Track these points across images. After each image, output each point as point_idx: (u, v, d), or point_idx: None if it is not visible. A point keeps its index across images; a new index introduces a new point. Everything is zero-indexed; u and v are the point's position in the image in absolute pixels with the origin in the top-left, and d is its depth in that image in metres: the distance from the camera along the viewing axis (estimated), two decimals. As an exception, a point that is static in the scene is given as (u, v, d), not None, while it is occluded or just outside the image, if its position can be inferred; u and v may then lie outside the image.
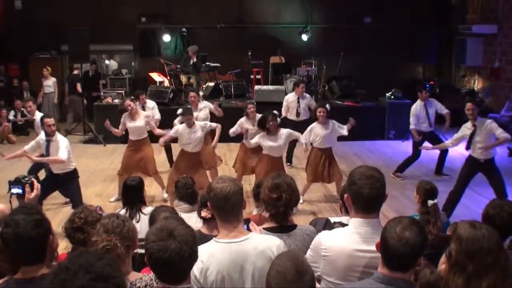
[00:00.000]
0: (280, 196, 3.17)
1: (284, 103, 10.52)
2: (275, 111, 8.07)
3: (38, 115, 8.23)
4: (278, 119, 7.79)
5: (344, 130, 8.27)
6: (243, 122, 8.59)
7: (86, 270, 1.81)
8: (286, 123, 9.93)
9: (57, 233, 2.86)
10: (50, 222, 2.63)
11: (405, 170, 9.92)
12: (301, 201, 8.46)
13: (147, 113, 8.92)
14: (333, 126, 8.26)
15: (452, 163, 10.59)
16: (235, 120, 8.80)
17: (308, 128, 8.31)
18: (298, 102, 10.37)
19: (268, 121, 7.65)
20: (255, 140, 7.77)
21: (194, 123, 7.92)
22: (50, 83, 14.09)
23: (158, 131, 8.52)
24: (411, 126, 9.71)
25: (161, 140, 8.15)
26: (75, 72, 14.36)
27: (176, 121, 8.64)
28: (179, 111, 8.14)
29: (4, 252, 2.71)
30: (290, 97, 10.53)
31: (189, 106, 8.70)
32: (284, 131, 7.86)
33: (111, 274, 1.85)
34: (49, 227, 2.56)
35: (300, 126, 8.71)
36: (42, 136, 7.22)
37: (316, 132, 8.20)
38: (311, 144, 8.38)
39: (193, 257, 2.28)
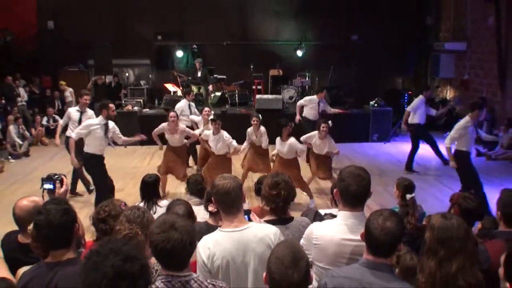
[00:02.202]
0: (279, 192, 3.17)
1: (303, 102, 10.38)
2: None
3: (89, 111, 8.15)
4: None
5: (334, 150, 8.18)
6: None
7: (115, 253, 1.83)
8: (304, 121, 10.11)
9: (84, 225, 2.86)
10: (76, 212, 2.64)
11: (412, 165, 9.86)
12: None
13: (184, 128, 8.39)
14: (329, 141, 8.13)
15: (428, 162, 10.61)
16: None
17: (312, 133, 8.29)
18: (319, 104, 10.26)
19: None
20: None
21: (219, 131, 7.90)
22: (67, 94, 14.20)
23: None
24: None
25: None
26: (100, 82, 14.39)
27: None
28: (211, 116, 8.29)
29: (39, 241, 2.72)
30: (314, 99, 10.34)
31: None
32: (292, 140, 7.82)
33: (136, 256, 1.88)
34: (75, 217, 2.57)
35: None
36: (93, 121, 7.05)
37: (315, 142, 8.17)
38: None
39: (193, 245, 2.29)
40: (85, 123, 7.14)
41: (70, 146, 7.17)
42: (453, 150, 7.37)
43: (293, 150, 7.74)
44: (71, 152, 7.19)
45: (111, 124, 7.18)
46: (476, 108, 7.31)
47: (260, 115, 8.69)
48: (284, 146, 7.70)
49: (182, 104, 9.67)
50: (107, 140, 7.24)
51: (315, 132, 8.21)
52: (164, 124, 8.26)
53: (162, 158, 8.48)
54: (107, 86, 14.67)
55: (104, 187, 7.12)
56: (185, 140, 8.38)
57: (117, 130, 7.30)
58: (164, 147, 8.46)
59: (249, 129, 8.46)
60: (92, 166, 7.22)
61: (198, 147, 9.37)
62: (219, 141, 7.90)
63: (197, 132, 8.60)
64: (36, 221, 2.47)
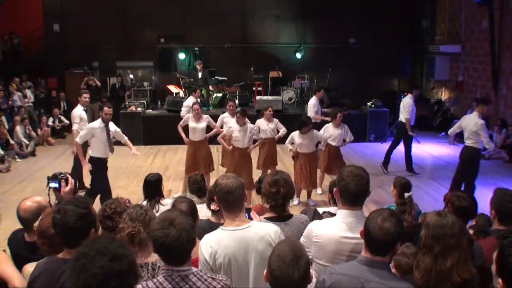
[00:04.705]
0: (278, 190, 3.16)
1: (312, 108, 9.94)
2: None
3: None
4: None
5: (351, 138, 8.45)
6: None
7: (102, 253, 1.82)
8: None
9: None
10: (96, 216, 2.61)
11: (412, 166, 9.82)
12: (319, 191, 8.47)
13: (208, 116, 8.48)
14: (345, 128, 8.35)
15: (424, 161, 10.61)
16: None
17: (325, 126, 8.37)
18: (320, 104, 10.19)
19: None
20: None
21: (245, 122, 7.68)
22: (15, 97, 13.41)
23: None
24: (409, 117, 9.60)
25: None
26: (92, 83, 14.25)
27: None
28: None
29: (46, 238, 2.72)
30: (314, 102, 10.00)
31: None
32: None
33: (123, 253, 1.86)
34: (93, 221, 2.53)
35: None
36: (94, 124, 7.01)
37: (330, 131, 8.26)
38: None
39: (191, 242, 2.27)
40: (87, 126, 7.14)
41: (77, 150, 7.13)
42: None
43: (313, 141, 7.75)
44: (80, 155, 7.14)
45: (112, 126, 7.22)
46: (480, 103, 7.41)
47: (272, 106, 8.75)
48: (305, 138, 7.66)
49: (189, 102, 9.53)
50: (111, 143, 7.19)
51: (328, 124, 8.34)
52: (188, 115, 8.32)
53: (185, 158, 8.44)
54: (116, 87, 14.65)
55: (101, 190, 7.07)
56: (205, 135, 8.32)
57: (118, 129, 7.40)
58: (185, 148, 8.44)
59: (260, 120, 8.44)
60: (96, 169, 7.13)
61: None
62: (246, 131, 7.68)
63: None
64: (54, 219, 2.46)
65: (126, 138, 7.52)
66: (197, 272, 2.34)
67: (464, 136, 7.55)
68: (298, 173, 7.76)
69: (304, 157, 7.76)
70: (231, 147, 7.84)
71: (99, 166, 7.11)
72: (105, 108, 7.08)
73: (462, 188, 7.16)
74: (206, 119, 8.28)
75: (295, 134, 7.71)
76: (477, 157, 7.43)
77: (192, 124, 8.17)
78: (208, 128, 8.44)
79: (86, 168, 7.20)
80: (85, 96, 8.39)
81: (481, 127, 7.18)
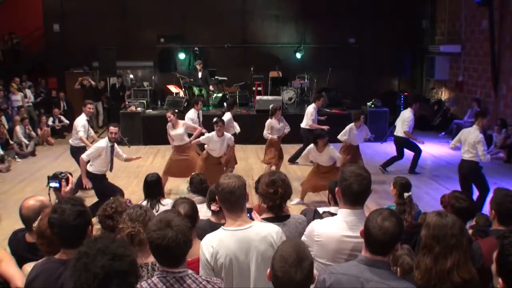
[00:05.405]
0: (276, 190, 3.13)
1: (310, 116, 9.83)
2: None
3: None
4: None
5: (369, 135, 9.26)
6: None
7: (103, 252, 1.82)
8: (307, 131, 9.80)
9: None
10: (91, 214, 2.61)
11: (415, 167, 9.89)
12: None
13: (184, 122, 8.60)
14: (365, 128, 9.14)
15: (424, 161, 10.60)
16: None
17: (347, 128, 8.92)
18: (318, 112, 10.08)
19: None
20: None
21: (223, 133, 7.83)
22: (18, 98, 13.30)
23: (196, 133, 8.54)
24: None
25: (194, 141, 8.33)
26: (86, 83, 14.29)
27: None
28: (214, 119, 8.01)
29: (44, 238, 2.72)
30: (312, 110, 9.88)
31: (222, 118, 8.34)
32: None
33: (124, 253, 1.86)
34: (89, 219, 2.54)
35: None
36: (102, 144, 6.89)
37: (354, 132, 8.90)
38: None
39: (188, 243, 2.27)
40: (95, 146, 6.94)
41: (81, 167, 6.98)
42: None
43: (331, 157, 7.70)
44: (82, 174, 6.99)
45: (115, 146, 7.18)
46: (478, 116, 7.32)
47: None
48: (322, 155, 7.65)
49: (191, 115, 9.28)
50: (112, 162, 7.13)
51: (350, 125, 8.87)
52: (168, 125, 8.41)
53: (167, 159, 8.61)
54: (116, 87, 14.65)
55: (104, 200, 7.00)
56: (187, 139, 8.37)
57: (120, 150, 7.32)
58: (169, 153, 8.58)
59: (272, 120, 9.03)
60: (95, 186, 7.03)
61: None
62: (224, 141, 7.84)
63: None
64: (50, 219, 2.46)
65: (125, 156, 7.44)
66: (192, 274, 2.33)
67: (462, 150, 7.34)
68: (310, 177, 7.89)
69: (322, 167, 7.79)
70: (205, 151, 7.98)
71: (96, 181, 7.00)
72: (111, 128, 6.98)
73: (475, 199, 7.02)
74: (183, 125, 8.34)
75: (312, 150, 7.68)
76: (479, 170, 7.31)
77: (172, 133, 8.34)
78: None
79: (87, 186, 7.02)
80: (90, 107, 8.40)
81: (480, 140, 7.10)
